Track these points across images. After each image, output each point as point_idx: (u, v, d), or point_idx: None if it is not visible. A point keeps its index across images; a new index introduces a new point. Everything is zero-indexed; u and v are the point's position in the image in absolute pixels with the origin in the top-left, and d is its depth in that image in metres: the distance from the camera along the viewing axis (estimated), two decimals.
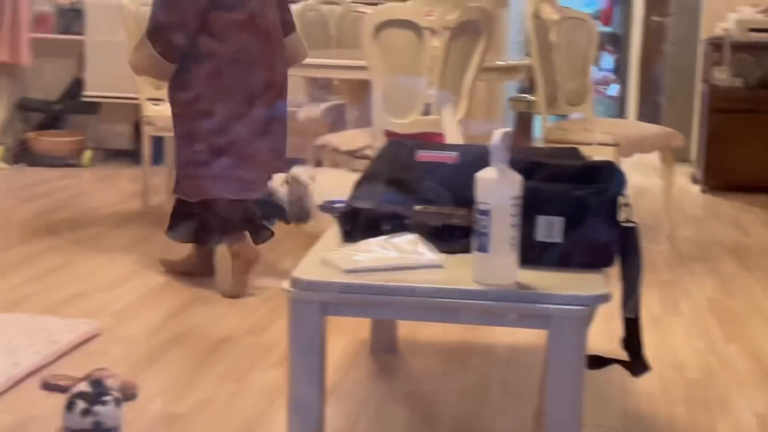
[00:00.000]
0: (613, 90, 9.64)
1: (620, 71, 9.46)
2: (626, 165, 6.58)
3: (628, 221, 2.12)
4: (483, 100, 5.98)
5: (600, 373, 2.74)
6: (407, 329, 3.10)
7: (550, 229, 2.07)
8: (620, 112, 9.02)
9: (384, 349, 2.94)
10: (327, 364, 2.75)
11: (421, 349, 2.99)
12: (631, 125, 4.85)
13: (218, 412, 2.47)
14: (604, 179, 2.13)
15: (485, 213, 1.92)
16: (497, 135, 1.92)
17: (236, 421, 2.42)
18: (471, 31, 3.86)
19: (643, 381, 2.72)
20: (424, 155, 2.48)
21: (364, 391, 2.64)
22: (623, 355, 2.20)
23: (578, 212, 2.07)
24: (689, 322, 3.32)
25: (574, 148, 2.56)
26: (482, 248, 1.93)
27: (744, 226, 4.90)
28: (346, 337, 3.04)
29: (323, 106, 5.11)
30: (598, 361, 2.24)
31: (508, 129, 1.95)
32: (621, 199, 2.11)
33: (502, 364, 2.89)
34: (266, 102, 3.56)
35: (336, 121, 4.95)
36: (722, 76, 5.87)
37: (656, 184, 5.43)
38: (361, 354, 2.91)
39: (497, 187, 1.92)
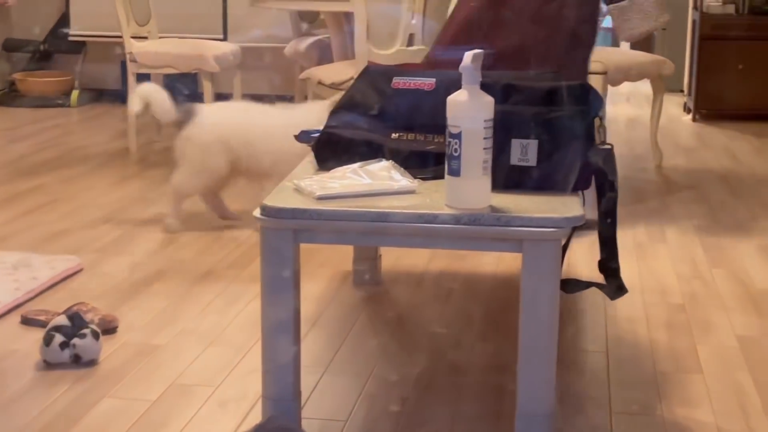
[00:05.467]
0: (608, 21, 9.54)
1: (614, 2, 9.34)
2: (619, 94, 6.57)
3: (604, 143, 2.10)
4: None
5: (584, 299, 2.75)
6: (390, 260, 3.09)
7: (524, 152, 2.04)
8: (615, 42, 8.92)
9: (367, 280, 2.93)
10: (309, 295, 2.76)
11: (405, 279, 2.98)
12: (620, 53, 4.79)
13: (198, 343, 2.47)
14: (580, 101, 2.10)
15: (456, 136, 1.89)
16: (467, 56, 1.89)
17: (216, 352, 2.42)
18: None
19: (627, 307, 2.73)
20: (400, 82, 2.45)
21: (345, 322, 2.63)
22: (602, 279, 2.18)
23: (553, 134, 2.04)
24: (675, 248, 3.31)
25: (556, 72, 2.52)
26: (454, 172, 1.90)
27: (735, 154, 4.87)
28: (329, 269, 3.03)
29: (310, 40, 5.05)
30: (575, 285, 2.23)
31: (479, 50, 1.91)
32: (596, 121, 2.09)
33: (486, 293, 2.89)
34: None
35: (323, 55, 4.90)
36: (714, 3, 5.80)
37: (648, 114, 5.39)
38: (344, 286, 2.91)
39: (468, 110, 1.89)
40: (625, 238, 3.40)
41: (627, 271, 3.03)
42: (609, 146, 2.11)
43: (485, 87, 1.93)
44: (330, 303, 2.77)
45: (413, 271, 3.06)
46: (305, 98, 4.35)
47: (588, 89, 2.11)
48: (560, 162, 2.04)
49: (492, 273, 3.03)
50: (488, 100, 1.90)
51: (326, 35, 4.99)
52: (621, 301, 2.70)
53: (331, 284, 2.92)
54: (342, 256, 3.07)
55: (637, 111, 6.21)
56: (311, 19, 5.25)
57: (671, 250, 3.30)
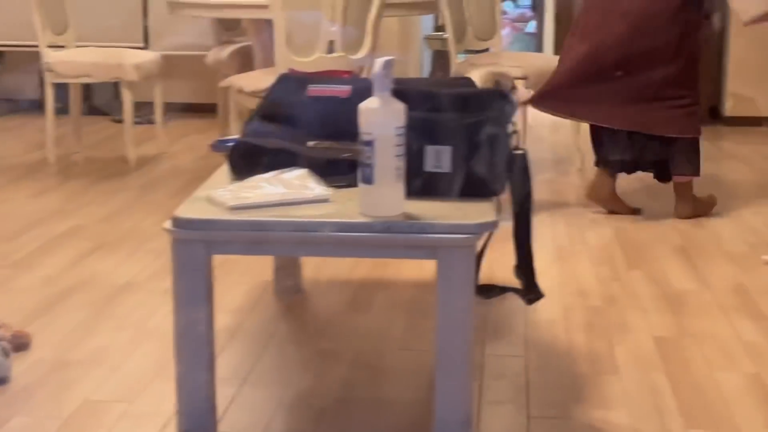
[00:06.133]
0: (532, 26, 9.63)
1: (538, 7, 9.44)
2: None
3: (518, 148, 2.10)
4: (398, 37, 5.93)
5: (504, 304, 2.75)
6: (312, 269, 3.07)
7: (438, 158, 2.04)
8: (539, 48, 9.01)
9: (288, 290, 2.91)
10: (229, 305, 2.72)
11: (326, 288, 2.96)
12: (540, 58, 4.84)
13: (114, 358, 2.42)
14: (493, 107, 2.11)
15: (369, 144, 1.88)
16: (378, 63, 1.88)
17: (132, 368, 2.37)
18: None
19: (546, 310, 2.74)
20: (315, 89, 2.44)
21: (266, 333, 2.61)
22: (519, 284, 2.19)
23: (466, 141, 2.05)
24: (595, 251, 3.35)
25: (468, 78, 2.54)
26: (367, 180, 1.89)
27: None
28: (250, 279, 3.00)
29: (231, 48, 5.01)
30: (492, 290, 2.24)
31: (390, 57, 1.91)
32: (510, 127, 2.10)
33: (407, 300, 2.88)
34: None
35: (244, 62, 4.86)
36: None
37: None
38: (265, 296, 2.88)
39: (380, 117, 1.88)
40: (545, 241, 3.43)
41: (547, 274, 3.05)
42: (523, 151, 2.12)
43: (398, 94, 1.93)
44: (250, 313, 2.74)
45: (335, 278, 3.04)
46: (228, 106, 4.32)
47: (502, 95, 2.12)
48: (474, 168, 2.04)
49: (414, 279, 3.03)
50: (399, 107, 1.89)
51: (248, 43, 4.95)
52: (541, 305, 2.70)
53: (252, 294, 2.89)
54: (263, 265, 3.04)
55: None
56: (233, 26, 5.21)
57: (591, 252, 3.33)
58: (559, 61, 3.94)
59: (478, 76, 3.82)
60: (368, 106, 1.89)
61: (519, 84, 3.92)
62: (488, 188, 2.06)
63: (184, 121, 5.70)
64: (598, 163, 3.88)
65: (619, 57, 3.66)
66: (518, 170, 2.10)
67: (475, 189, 2.04)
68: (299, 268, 2.95)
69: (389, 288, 2.96)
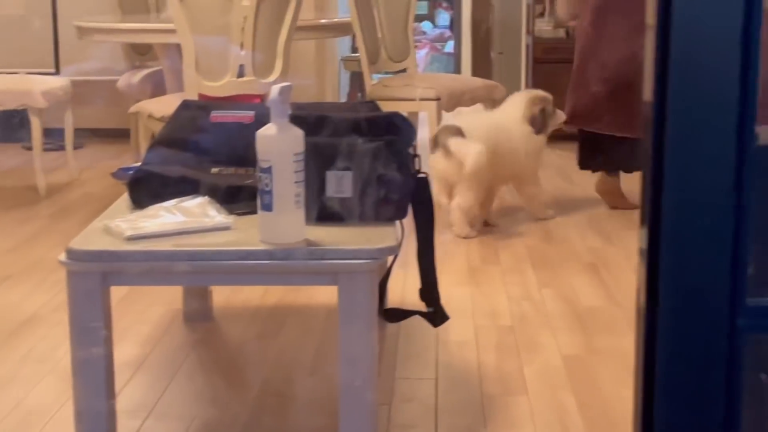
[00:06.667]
0: (450, 46, 9.71)
1: (456, 27, 9.53)
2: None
3: (419, 172, 2.11)
4: (314, 60, 5.92)
5: (415, 326, 2.75)
6: (223, 297, 3.03)
7: (339, 184, 2.04)
8: (457, 67, 9.09)
9: (198, 317, 2.87)
10: (137, 335, 2.67)
11: (237, 315, 2.93)
12: (453, 79, 4.87)
13: (16, 392, 2.36)
14: (394, 131, 2.11)
15: (267, 170, 1.87)
16: (275, 90, 1.87)
17: (34, 402, 2.31)
18: None
19: (458, 331, 2.75)
20: (218, 116, 2.42)
21: (173, 363, 2.56)
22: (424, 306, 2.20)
23: (368, 165, 2.05)
24: (507, 270, 3.37)
25: (373, 102, 2.54)
26: (266, 207, 1.88)
27: (568, 174, 5.00)
28: (159, 308, 2.96)
29: (143, 72, 4.95)
30: (397, 314, 2.24)
31: (287, 84, 1.90)
32: (411, 150, 2.10)
33: (319, 325, 2.86)
34: None
35: (156, 87, 4.81)
36: (545, 27, 5.97)
37: None
38: (174, 324, 2.84)
39: (277, 144, 1.87)
40: (459, 261, 3.44)
41: (459, 295, 3.06)
42: (424, 175, 2.12)
43: (297, 120, 1.92)
44: (158, 343, 2.70)
45: (247, 305, 3.01)
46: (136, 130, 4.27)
47: (401, 119, 2.12)
48: (376, 192, 2.04)
49: (327, 304, 3.01)
50: (297, 134, 1.88)
51: (160, 67, 4.90)
52: (453, 326, 2.71)
53: (161, 323, 2.85)
54: (173, 293, 2.99)
55: None
56: (145, 51, 5.15)
57: (504, 271, 3.35)
58: (581, 71, 4.04)
59: (520, 99, 4.01)
60: (265, 132, 1.88)
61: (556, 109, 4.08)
62: (390, 212, 2.06)
63: (98, 147, 5.61)
64: (593, 167, 4.05)
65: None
66: (420, 194, 2.11)
67: (377, 213, 2.04)
68: (209, 295, 2.91)
69: (301, 313, 2.94)
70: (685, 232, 0.59)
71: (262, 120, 2.22)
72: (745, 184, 0.57)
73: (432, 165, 3.66)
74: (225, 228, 1.99)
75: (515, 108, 3.94)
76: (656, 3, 0.60)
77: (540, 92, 4.10)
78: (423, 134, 4.56)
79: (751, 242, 0.59)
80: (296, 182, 1.87)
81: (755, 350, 0.66)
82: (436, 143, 3.72)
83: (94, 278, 1.86)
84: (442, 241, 3.54)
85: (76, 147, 4.88)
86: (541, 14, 6.08)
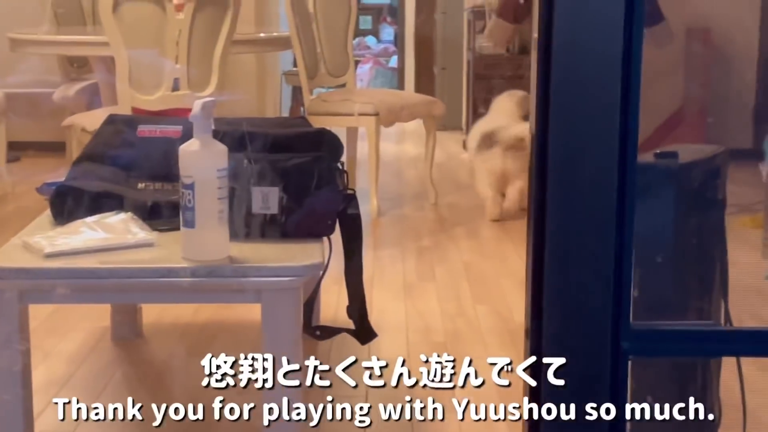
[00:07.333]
0: (394, 61, 9.73)
1: (400, 42, 9.56)
2: (403, 133, 6.64)
3: (345, 188, 2.10)
4: (255, 74, 5.90)
5: (347, 344, 2.72)
6: (153, 314, 2.99)
7: (265, 200, 2.02)
8: (401, 82, 9.12)
9: (126, 335, 2.82)
10: (63, 353, 2.62)
11: (167, 332, 2.89)
12: (392, 95, 4.87)
13: None
14: (322, 147, 2.10)
15: (189, 187, 1.84)
16: (197, 105, 1.85)
17: None
18: (217, 2, 3.76)
19: (390, 347, 2.73)
20: (145, 130, 2.39)
21: (99, 381, 2.52)
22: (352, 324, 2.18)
23: (295, 181, 2.03)
24: (442, 286, 3.36)
25: (303, 118, 2.53)
26: (188, 224, 1.85)
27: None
28: (89, 324, 2.90)
29: (79, 85, 4.89)
30: (325, 331, 2.22)
31: (210, 99, 1.88)
32: (337, 166, 2.09)
33: (251, 342, 2.83)
34: None
35: (92, 100, 4.75)
36: (485, 44, 6.00)
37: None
38: (102, 342, 2.79)
39: (200, 160, 1.85)
40: (395, 277, 3.43)
41: (394, 311, 3.05)
42: (351, 191, 2.11)
43: (222, 136, 1.90)
44: (84, 361, 2.65)
45: (177, 322, 2.97)
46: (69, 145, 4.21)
47: (328, 135, 2.11)
48: (302, 209, 2.02)
49: (257, 321, 2.97)
50: (221, 149, 1.86)
51: (96, 80, 4.84)
52: (385, 342, 2.70)
53: (89, 340, 2.79)
54: (102, 310, 2.94)
55: (421, 150, 6.32)
56: (81, 63, 5.09)
57: (439, 288, 3.34)
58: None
59: (510, 101, 4.36)
60: (188, 148, 1.85)
61: None
62: (317, 229, 2.04)
63: (35, 160, 5.52)
64: None
65: None
66: (347, 210, 2.09)
67: (304, 230, 2.02)
68: (138, 312, 2.86)
69: (233, 330, 2.90)
70: (569, 256, 0.59)
71: (189, 135, 2.20)
72: (627, 209, 0.57)
73: (488, 162, 4.04)
74: (148, 245, 1.96)
75: (510, 109, 4.29)
76: (539, 23, 0.59)
77: (519, 91, 4.37)
78: (363, 149, 4.56)
79: (631, 267, 0.58)
80: (219, 198, 1.85)
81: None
82: (487, 144, 4.01)
83: (11, 296, 1.82)
84: (388, 255, 3.55)
85: (11, 160, 4.80)
86: (482, 31, 6.11)
